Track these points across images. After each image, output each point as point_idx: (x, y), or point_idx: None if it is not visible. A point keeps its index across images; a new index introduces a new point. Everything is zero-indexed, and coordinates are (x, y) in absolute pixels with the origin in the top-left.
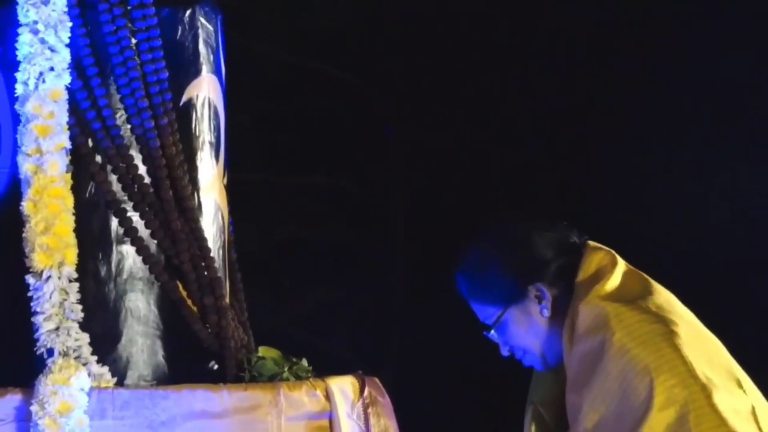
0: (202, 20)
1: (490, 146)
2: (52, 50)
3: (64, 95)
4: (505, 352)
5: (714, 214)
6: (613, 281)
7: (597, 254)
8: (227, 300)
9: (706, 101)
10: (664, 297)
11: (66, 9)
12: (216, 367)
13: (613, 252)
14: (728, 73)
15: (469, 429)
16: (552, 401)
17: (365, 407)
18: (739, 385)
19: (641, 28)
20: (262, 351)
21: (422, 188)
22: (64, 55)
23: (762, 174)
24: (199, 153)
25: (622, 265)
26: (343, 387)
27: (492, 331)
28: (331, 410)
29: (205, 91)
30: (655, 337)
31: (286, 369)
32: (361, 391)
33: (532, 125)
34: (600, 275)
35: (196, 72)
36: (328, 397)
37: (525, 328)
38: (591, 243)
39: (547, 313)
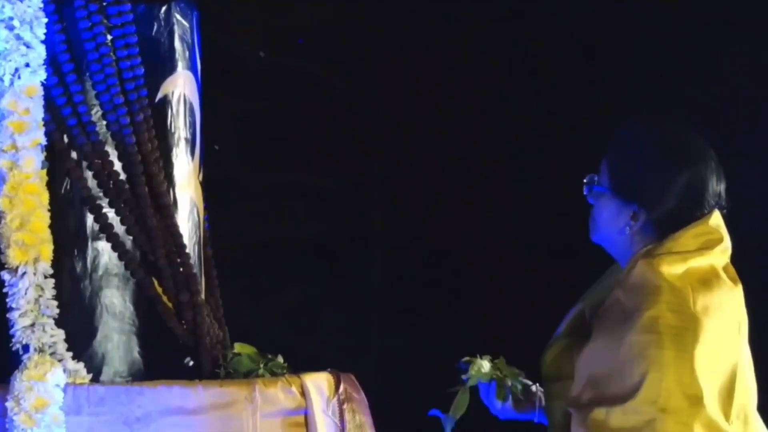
0: (178, 17)
1: (470, 145)
2: (28, 46)
3: (40, 91)
4: (588, 198)
5: None
6: (689, 264)
7: (704, 230)
8: (203, 296)
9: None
10: (719, 299)
11: (41, 5)
12: (191, 363)
13: (724, 238)
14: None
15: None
16: (596, 305)
17: (340, 403)
18: (727, 415)
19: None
20: (238, 347)
21: (400, 186)
22: (40, 52)
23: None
24: (174, 149)
25: (715, 255)
26: (319, 383)
27: (589, 187)
28: (306, 407)
29: (181, 87)
30: (680, 335)
31: (261, 366)
32: (337, 387)
33: (513, 124)
34: (689, 253)
35: (172, 68)
36: (303, 393)
37: (607, 218)
38: (714, 217)
39: (627, 231)
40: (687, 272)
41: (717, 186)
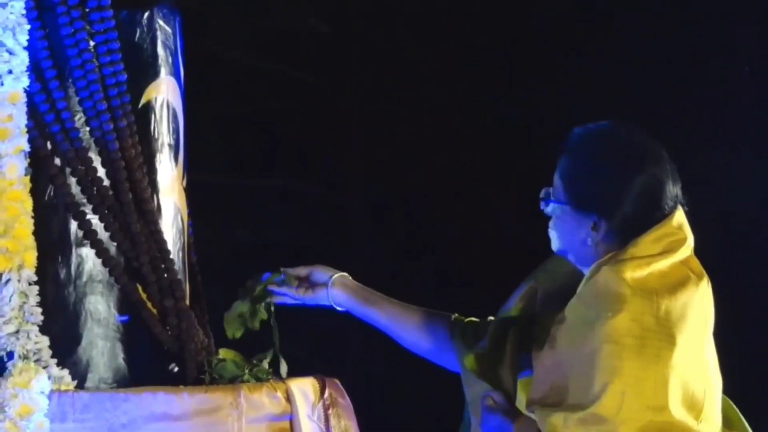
0: (161, 22)
1: (456, 148)
2: (10, 53)
3: (23, 98)
4: (545, 211)
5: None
6: (653, 267)
7: (667, 232)
8: (187, 302)
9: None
10: (685, 299)
11: (24, 11)
12: (176, 369)
13: (687, 238)
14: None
15: (430, 429)
16: (550, 296)
17: (326, 408)
18: (698, 415)
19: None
20: (223, 353)
21: (383, 190)
22: (23, 58)
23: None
24: (158, 155)
25: (680, 255)
26: (304, 388)
27: (546, 202)
28: (291, 412)
29: (164, 93)
30: (643, 344)
31: (246, 371)
32: (322, 392)
33: (499, 127)
34: (652, 257)
35: (155, 74)
36: (288, 398)
37: (566, 230)
38: (676, 217)
39: (590, 242)
40: (651, 277)
41: (674, 187)
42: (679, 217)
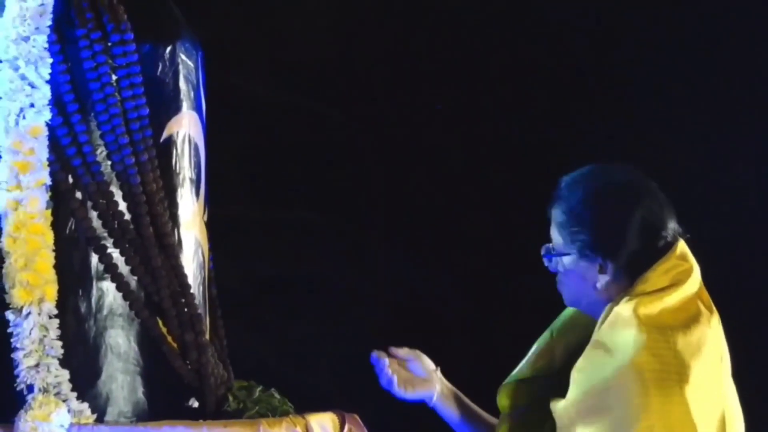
0: (183, 57)
1: (472, 181)
2: (33, 86)
3: (45, 131)
4: (551, 268)
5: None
6: (665, 302)
7: (674, 265)
8: (207, 336)
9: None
10: (699, 334)
11: (46, 45)
12: (196, 404)
13: (694, 268)
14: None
15: None
16: (571, 347)
17: None
18: None
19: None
20: (237, 385)
21: (401, 223)
22: (45, 92)
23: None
24: (179, 189)
25: (689, 286)
26: (323, 423)
27: (548, 257)
28: None
29: (186, 127)
30: (665, 378)
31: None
32: (341, 427)
33: (512, 150)
34: (658, 291)
35: (177, 108)
36: None
37: (578, 277)
38: (680, 248)
39: (600, 287)
40: (663, 312)
41: (671, 218)
42: (682, 247)
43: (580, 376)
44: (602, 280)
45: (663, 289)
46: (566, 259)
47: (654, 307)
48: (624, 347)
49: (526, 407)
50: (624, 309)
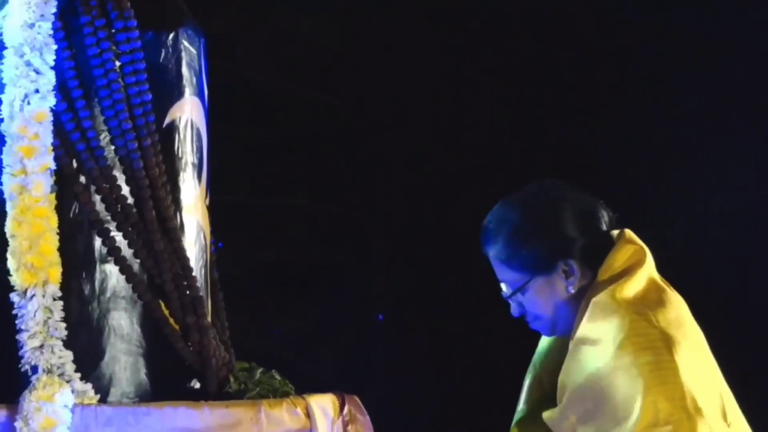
0: (185, 43)
1: (473, 169)
2: (37, 72)
3: (49, 117)
4: (516, 313)
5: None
6: (634, 284)
7: (629, 248)
8: (209, 319)
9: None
10: (676, 312)
11: (51, 32)
12: (198, 385)
13: (646, 249)
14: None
15: None
16: (552, 370)
17: (345, 425)
18: (724, 416)
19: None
20: (239, 365)
21: (403, 210)
22: (49, 78)
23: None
24: (181, 174)
25: (648, 266)
26: (324, 405)
27: (511, 298)
28: (311, 428)
29: (188, 113)
30: (655, 353)
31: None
32: (341, 409)
33: (517, 139)
34: (624, 273)
35: (179, 94)
36: (308, 414)
37: (545, 298)
38: (627, 233)
39: (572, 289)
40: (637, 294)
41: (600, 205)
42: (629, 233)
43: (569, 379)
44: (571, 280)
45: (628, 272)
46: (531, 288)
47: (628, 290)
48: (610, 334)
49: None
50: (601, 298)
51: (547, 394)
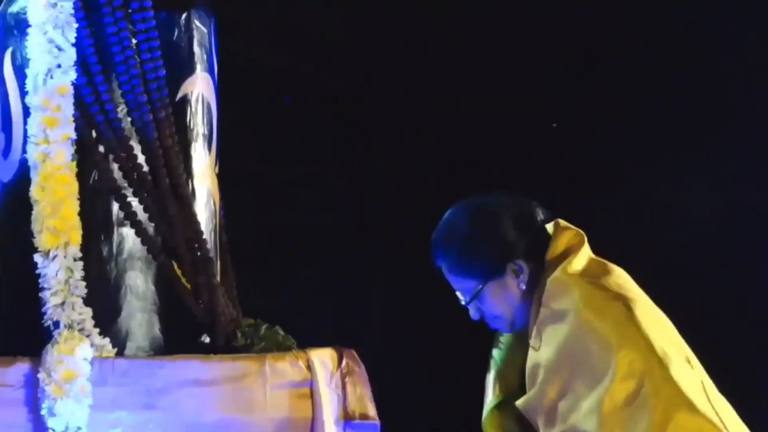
0: (197, 23)
1: (475, 140)
2: (59, 49)
3: (70, 90)
4: (475, 317)
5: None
6: (579, 260)
7: (567, 233)
8: (218, 278)
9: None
10: (622, 278)
11: (72, 11)
12: (207, 339)
13: (582, 233)
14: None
15: (444, 396)
16: (515, 363)
17: (343, 377)
18: (688, 361)
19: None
20: (245, 322)
21: (400, 178)
22: (70, 54)
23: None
24: (193, 144)
25: (587, 246)
26: (323, 358)
27: (470, 304)
28: (312, 379)
29: (199, 87)
30: (616, 313)
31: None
32: (339, 362)
33: (511, 123)
34: (568, 253)
35: (191, 70)
36: (309, 367)
37: (501, 299)
38: (561, 222)
39: (523, 286)
40: (584, 267)
41: (533, 204)
42: (564, 222)
43: (542, 358)
44: (522, 278)
45: (571, 251)
46: (486, 293)
47: (576, 265)
48: (571, 305)
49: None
50: (556, 276)
51: (513, 388)
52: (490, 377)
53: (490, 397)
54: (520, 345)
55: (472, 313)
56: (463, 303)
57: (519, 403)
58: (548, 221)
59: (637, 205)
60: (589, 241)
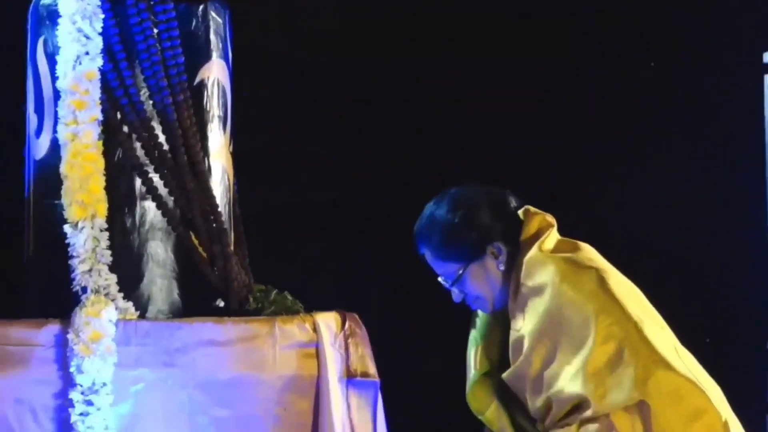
0: (213, 14)
1: (473, 122)
2: (87, 37)
3: (97, 75)
4: (457, 299)
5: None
6: (551, 239)
7: (537, 217)
8: (232, 248)
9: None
10: (592, 253)
11: (99, 3)
12: (222, 303)
13: (551, 217)
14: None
15: (439, 357)
16: (495, 340)
17: (346, 338)
18: (657, 322)
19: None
20: (256, 288)
21: (402, 160)
22: (97, 42)
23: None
24: (209, 125)
25: (555, 228)
26: (328, 321)
27: (453, 285)
28: (317, 340)
29: (215, 73)
30: (591, 283)
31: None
32: (343, 324)
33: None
34: (539, 234)
35: (208, 57)
36: (315, 329)
37: (482, 280)
38: (531, 208)
39: (502, 267)
40: (556, 245)
41: (506, 193)
42: (530, 207)
43: (525, 330)
44: (500, 259)
45: (542, 232)
46: (468, 275)
47: (549, 244)
48: (549, 279)
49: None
50: (531, 254)
51: (493, 363)
52: (471, 354)
53: (472, 372)
54: (498, 323)
55: (455, 295)
56: (446, 287)
57: (505, 375)
58: (519, 208)
59: (635, 203)
60: (588, 237)
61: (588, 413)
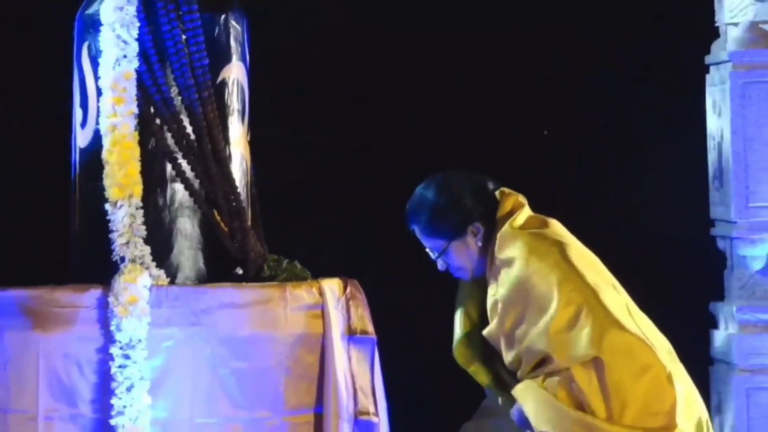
0: (233, 22)
1: (475, 107)
2: (125, 43)
3: (134, 75)
4: (442, 268)
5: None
6: (522, 217)
7: (510, 198)
8: (249, 223)
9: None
10: (559, 228)
11: (135, 13)
12: (240, 271)
13: (522, 197)
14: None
15: (434, 319)
16: (475, 303)
17: (347, 301)
18: (615, 288)
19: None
20: (270, 258)
21: (398, 147)
22: (134, 47)
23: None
24: (230, 118)
25: (527, 206)
26: (332, 286)
27: (438, 258)
28: (323, 303)
29: (235, 73)
30: (554, 255)
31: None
32: (344, 289)
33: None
34: (512, 212)
35: (228, 60)
36: (321, 293)
37: (463, 254)
38: (505, 189)
39: (480, 243)
40: (526, 222)
41: (485, 177)
42: (505, 189)
43: (499, 295)
44: (479, 236)
45: (515, 210)
46: (451, 249)
47: (519, 221)
48: (518, 252)
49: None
50: (503, 230)
51: (474, 321)
52: (457, 315)
53: (458, 331)
54: (478, 288)
55: (440, 265)
56: (432, 258)
57: (485, 332)
58: (496, 190)
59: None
60: (586, 234)
61: (551, 367)
